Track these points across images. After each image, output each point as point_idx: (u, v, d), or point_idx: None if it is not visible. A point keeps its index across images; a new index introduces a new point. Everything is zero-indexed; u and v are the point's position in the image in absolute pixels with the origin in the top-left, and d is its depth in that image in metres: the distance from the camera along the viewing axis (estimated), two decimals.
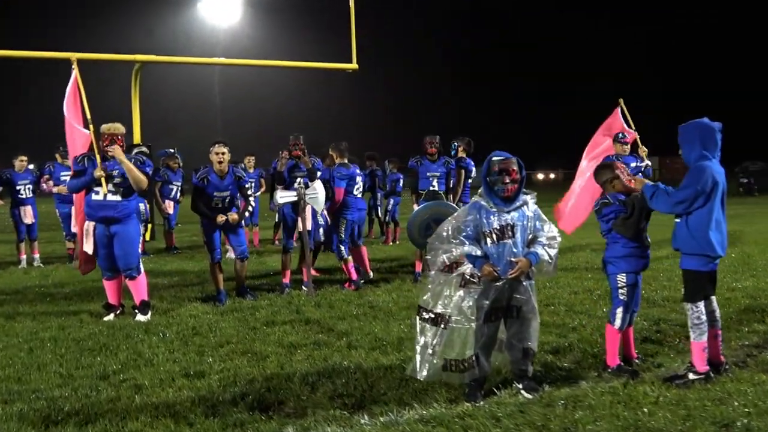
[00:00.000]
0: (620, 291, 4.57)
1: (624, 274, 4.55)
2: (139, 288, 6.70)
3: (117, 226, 6.55)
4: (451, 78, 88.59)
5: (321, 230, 8.38)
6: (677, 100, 62.07)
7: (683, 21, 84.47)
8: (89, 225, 6.64)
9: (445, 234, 4.23)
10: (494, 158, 4.22)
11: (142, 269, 6.78)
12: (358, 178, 8.34)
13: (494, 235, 4.15)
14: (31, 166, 10.99)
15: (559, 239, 4.30)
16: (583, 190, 7.83)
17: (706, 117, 4.49)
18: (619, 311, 4.57)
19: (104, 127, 6.64)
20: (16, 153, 10.70)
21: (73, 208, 10.75)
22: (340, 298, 7.41)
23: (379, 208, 13.29)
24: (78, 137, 6.78)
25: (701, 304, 4.36)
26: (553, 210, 7.93)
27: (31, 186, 10.64)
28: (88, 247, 6.68)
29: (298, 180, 8.02)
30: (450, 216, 7.92)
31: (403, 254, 11.05)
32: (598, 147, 8.36)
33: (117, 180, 6.53)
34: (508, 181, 4.14)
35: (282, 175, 8.00)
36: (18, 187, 10.52)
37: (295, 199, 7.68)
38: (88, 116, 6.69)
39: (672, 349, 5.13)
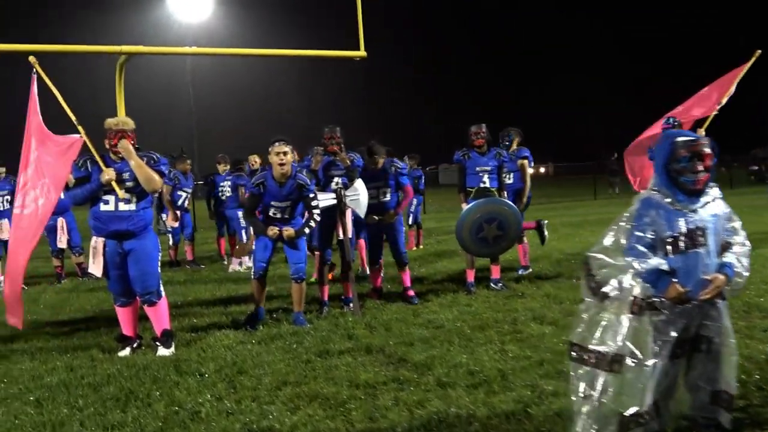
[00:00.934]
0: None
1: None
2: (161, 315, 5.55)
3: (132, 241, 5.40)
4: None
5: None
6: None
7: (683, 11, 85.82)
8: (98, 241, 5.46)
9: (611, 244, 3.18)
10: (680, 139, 3.16)
11: (163, 293, 5.63)
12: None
13: (681, 243, 3.13)
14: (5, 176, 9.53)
15: (749, 246, 3.30)
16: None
17: None
18: None
19: (110, 121, 5.51)
20: None
21: (59, 221, 9.51)
22: (392, 317, 6.33)
23: None
24: (54, 148, 5.48)
25: None
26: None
27: (9, 197, 9.21)
28: (97, 268, 5.49)
29: (335, 180, 6.92)
30: (507, 214, 7.19)
31: (440, 260, 10.04)
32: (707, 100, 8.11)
33: (129, 184, 5.38)
34: (700, 168, 3.11)
35: (317, 175, 6.89)
36: None
37: (334, 202, 6.58)
38: (74, 118, 5.52)
39: None
